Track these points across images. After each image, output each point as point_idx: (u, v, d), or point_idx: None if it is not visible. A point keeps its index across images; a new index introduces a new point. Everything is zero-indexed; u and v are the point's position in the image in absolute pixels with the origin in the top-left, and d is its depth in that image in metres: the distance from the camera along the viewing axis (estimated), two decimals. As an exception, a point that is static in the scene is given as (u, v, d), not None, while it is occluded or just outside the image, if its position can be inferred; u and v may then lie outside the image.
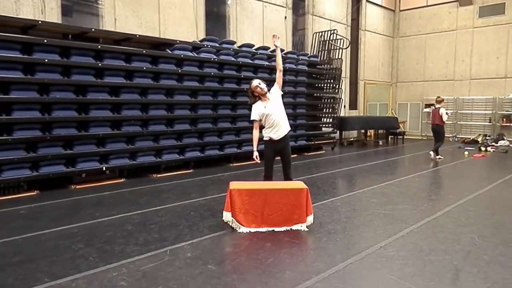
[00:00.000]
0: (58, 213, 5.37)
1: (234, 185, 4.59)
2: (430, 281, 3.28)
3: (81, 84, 7.06)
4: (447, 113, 10.51)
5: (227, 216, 4.48)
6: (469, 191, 6.79)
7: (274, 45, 5.25)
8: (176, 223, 4.86)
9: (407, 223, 4.87)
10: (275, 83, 5.22)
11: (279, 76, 5.21)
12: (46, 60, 6.52)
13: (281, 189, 4.57)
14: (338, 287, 3.18)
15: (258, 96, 5.08)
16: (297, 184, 4.73)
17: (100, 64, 7.21)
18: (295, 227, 4.46)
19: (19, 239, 4.30)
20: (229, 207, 4.45)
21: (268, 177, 5.13)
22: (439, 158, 10.57)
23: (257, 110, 5.06)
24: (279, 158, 5.27)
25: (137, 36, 8.01)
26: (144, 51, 7.87)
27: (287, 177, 5.21)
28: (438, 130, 10.70)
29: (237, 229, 4.45)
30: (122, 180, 7.51)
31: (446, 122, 10.65)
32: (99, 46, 7.22)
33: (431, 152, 10.73)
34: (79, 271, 3.44)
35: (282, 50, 11.22)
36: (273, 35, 5.30)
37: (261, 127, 5.20)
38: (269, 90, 5.11)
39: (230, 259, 3.84)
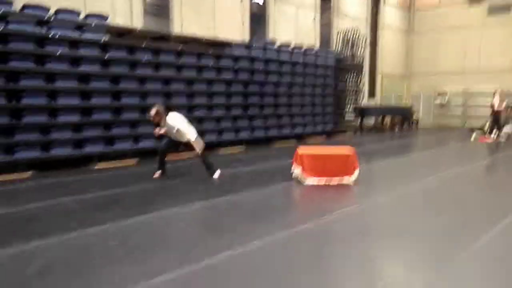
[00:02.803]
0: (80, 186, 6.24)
1: (302, 150, 6.57)
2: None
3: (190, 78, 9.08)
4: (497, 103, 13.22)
5: (297, 171, 6.47)
6: (464, 163, 8.69)
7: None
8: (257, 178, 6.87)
9: (403, 183, 6.62)
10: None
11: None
12: (143, 60, 8.54)
13: (336, 153, 6.54)
14: (374, 211, 5.14)
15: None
16: (348, 150, 6.67)
17: (179, 62, 9.22)
18: (346, 179, 6.41)
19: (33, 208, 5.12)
20: (299, 164, 6.43)
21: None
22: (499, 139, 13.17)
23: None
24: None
25: (203, 39, 9.95)
26: (210, 51, 9.85)
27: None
28: (496, 117, 13.41)
29: (303, 181, 6.42)
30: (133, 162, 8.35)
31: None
32: (179, 48, 9.22)
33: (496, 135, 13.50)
34: (144, 212, 5.39)
35: (309, 48, 13.11)
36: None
37: None
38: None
39: (291, 199, 5.83)
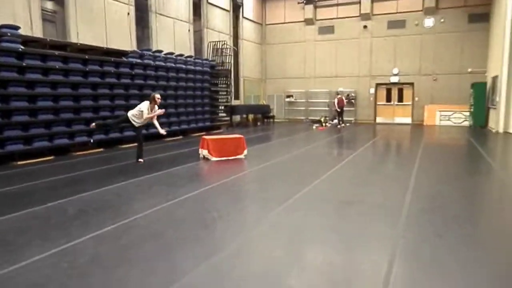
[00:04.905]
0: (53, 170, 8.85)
1: (206, 137, 9.03)
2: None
3: (95, 83, 10.30)
4: (343, 99, 18.82)
5: (204, 152, 8.90)
6: (309, 144, 12.51)
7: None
8: (170, 161, 9.02)
9: (275, 157, 9.99)
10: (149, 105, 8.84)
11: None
12: (57, 67, 9.66)
13: (231, 138, 9.21)
14: (262, 171, 8.04)
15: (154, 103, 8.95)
16: (238, 136, 9.40)
17: (87, 69, 10.52)
18: (238, 156, 9.12)
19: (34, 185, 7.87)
20: (205, 148, 8.87)
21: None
22: (343, 126, 18.02)
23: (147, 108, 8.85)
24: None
25: (104, 48, 11.37)
26: (112, 59, 11.34)
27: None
28: (342, 110, 18.49)
29: (210, 158, 8.88)
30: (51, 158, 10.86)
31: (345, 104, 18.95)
32: (86, 56, 10.51)
33: (339, 124, 18.42)
34: (110, 184, 7.46)
35: (188, 56, 15.52)
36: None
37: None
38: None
39: (208, 169, 8.33)
